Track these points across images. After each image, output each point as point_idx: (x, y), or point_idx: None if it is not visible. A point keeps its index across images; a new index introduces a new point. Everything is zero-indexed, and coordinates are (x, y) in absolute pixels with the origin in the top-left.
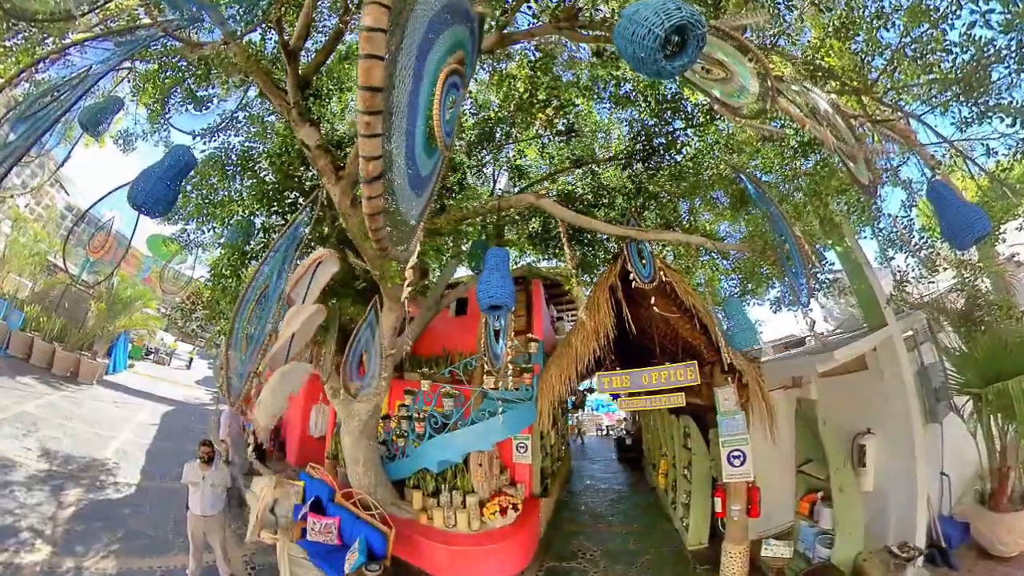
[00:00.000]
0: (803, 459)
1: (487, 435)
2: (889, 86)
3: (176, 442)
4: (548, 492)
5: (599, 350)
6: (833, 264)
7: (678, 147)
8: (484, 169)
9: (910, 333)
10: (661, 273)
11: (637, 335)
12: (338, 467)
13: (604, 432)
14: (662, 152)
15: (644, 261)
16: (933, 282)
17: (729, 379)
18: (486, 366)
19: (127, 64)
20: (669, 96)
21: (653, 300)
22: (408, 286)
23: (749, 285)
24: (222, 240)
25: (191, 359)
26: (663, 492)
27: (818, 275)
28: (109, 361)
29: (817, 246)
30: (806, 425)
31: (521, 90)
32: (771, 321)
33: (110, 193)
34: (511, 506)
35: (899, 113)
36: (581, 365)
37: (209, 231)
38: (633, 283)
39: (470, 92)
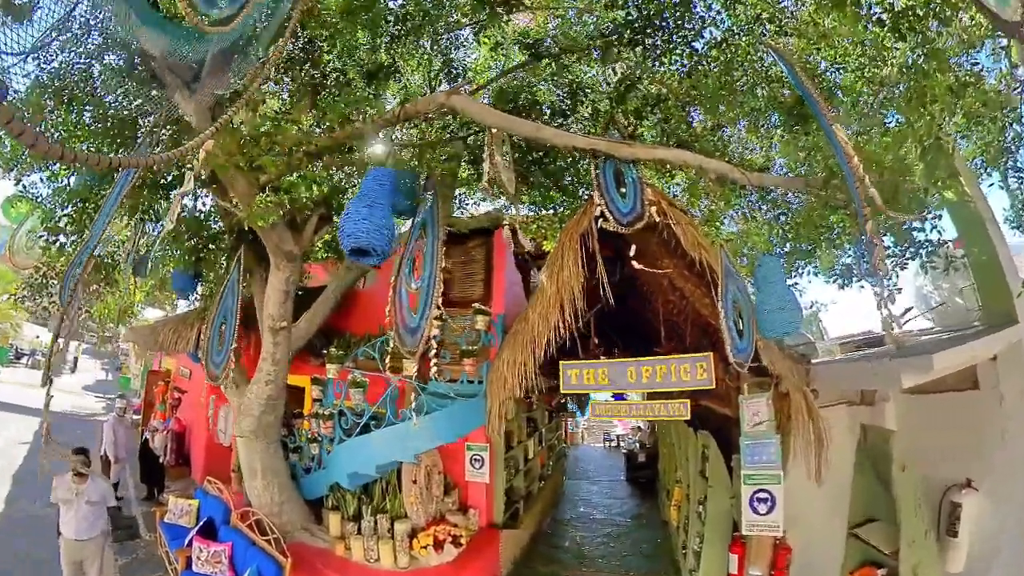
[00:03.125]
0: (860, 516)
1: (404, 441)
2: None
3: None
4: (519, 521)
5: (569, 327)
6: (937, 221)
7: (693, 27)
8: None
9: None
10: (653, 210)
11: (642, 315)
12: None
13: (613, 443)
14: (669, 31)
15: (625, 192)
16: None
17: (762, 385)
18: (400, 348)
19: None
20: None
21: (634, 252)
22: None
23: (803, 246)
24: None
25: (75, 359)
26: (675, 530)
27: (905, 235)
28: None
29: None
30: (871, 466)
31: None
32: (843, 307)
33: None
34: (451, 539)
35: None
36: (540, 349)
37: (55, 178)
38: (603, 222)
39: None
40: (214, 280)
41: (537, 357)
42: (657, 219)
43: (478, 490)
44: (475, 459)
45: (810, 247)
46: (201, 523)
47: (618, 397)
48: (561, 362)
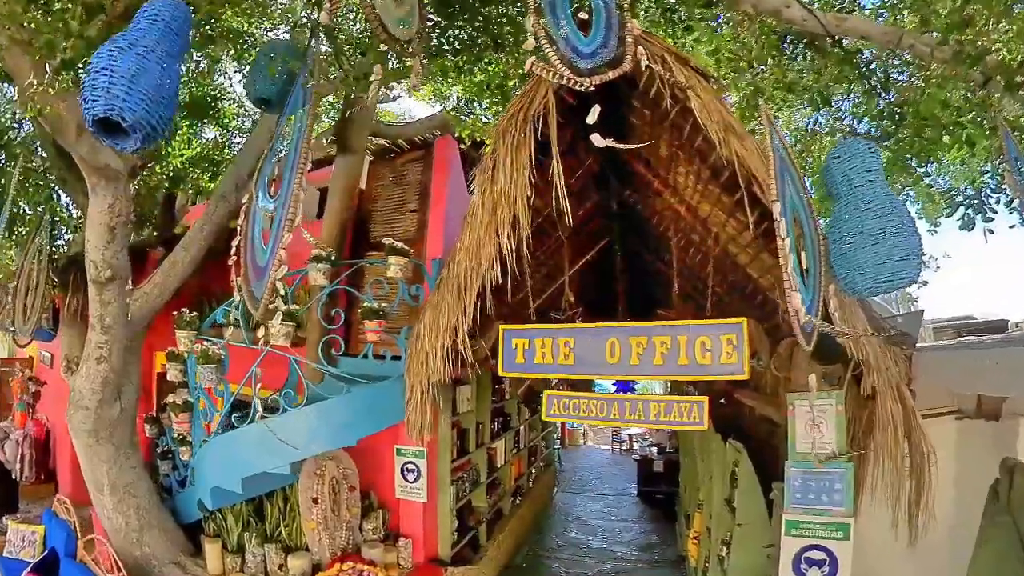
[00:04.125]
0: None
1: (272, 444)
2: None
3: None
4: (479, 554)
5: (512, 269)
6: None
7: None
8: None
9: None
10: (639, 50)
11: (656, 273)
12: None
13: (625, 445)
14: None
15: (591, 20)
16: None
17: (829, 378)
18: (247, 301)
19: None
20: None
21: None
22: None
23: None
24: None
25: None
26: (693, 572)
27: None
28: None
29: None
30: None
31: None
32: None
33: None
34: None
35: None
36: (470, 304)
37: None
38: (546, 72)
39: None
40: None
41: (466, 316)
42: (649, 63)
43: (413, 512)
44: (408, 469)
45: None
46: (43, 556)
47: (622, 388)
48: (501, 327)
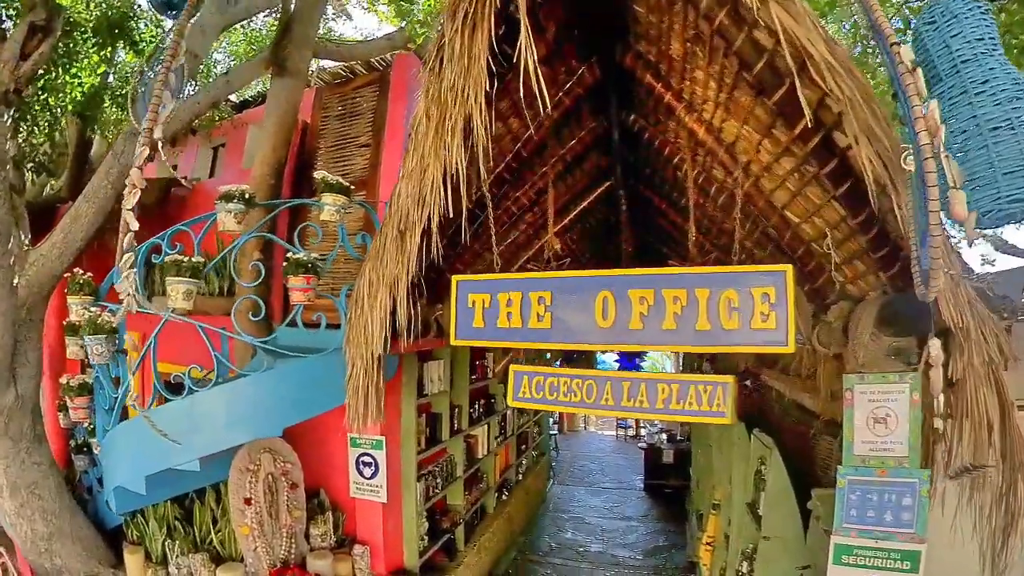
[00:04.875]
0: None
1: (173, 435)
2: None
3: None
4: (456, 560)
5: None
6: None
7: None
8: None
9: None
10: None
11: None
12: None
13: (631, 431)
14: None
15: None
16: None
17: (902, 355)
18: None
19: None
20: None
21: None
22: None
23: None
24: None
25: None
26: None
27: None
28: None
29: None
30: None
31: None
32: None
33: None
34: None
35: None
36: (413, 246)
37: None
38: None
39: None
40: None
41: (407, 265)
42: None
43: (371, 514)
44: (363, 462)
45: None
46: None
47: (624, 364)
48: (454, 279)
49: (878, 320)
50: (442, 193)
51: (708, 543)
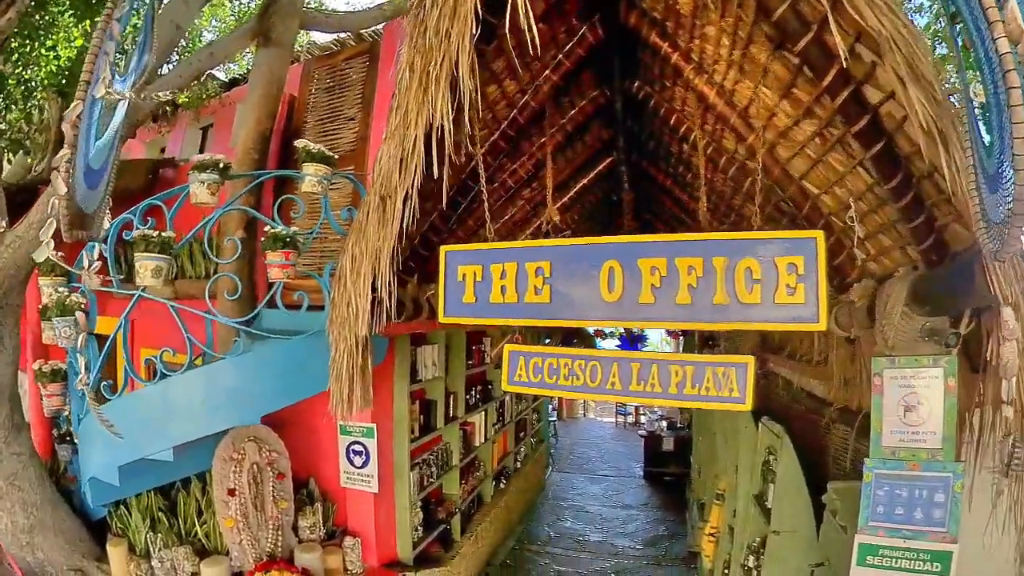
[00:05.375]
0: None
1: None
2: None
3: None
4: (451, 551)
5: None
6: None
7: None
8: None
9: None
10: None
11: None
12: None
13: (631, 418)
14: None
15: None
16: None
17: (937, 337)
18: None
19: None
20: None
21: None
22: None
23: None
24: None
25: None
26: (708, 572)
27: None
28: None
29: None
30: None
31: None
32: None
33: None
34: None
35: None
36: (395, 219)
37: None
38: None
39: None
40: None
41: (389, 236)
42: None
43: (362, 505)
44: (354, 451)
45: None
46: None
47: (626, 345)
48: (443, 249)
49: (910, 297)
50: (422, 154)
51: (711, 534)
